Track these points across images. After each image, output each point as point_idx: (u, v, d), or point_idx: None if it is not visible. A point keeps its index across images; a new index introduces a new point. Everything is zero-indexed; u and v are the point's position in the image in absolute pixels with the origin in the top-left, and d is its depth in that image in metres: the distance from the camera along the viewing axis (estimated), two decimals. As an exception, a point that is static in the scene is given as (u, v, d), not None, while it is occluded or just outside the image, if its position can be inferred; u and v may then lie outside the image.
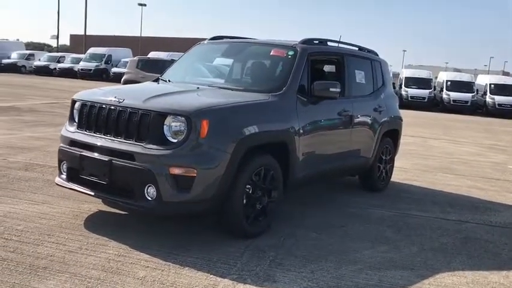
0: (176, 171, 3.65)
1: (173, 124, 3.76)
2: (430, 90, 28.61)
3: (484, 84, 28.68)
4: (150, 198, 3.71)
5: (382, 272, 3.66)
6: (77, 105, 4.33)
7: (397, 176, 6.98)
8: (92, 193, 4.01)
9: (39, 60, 38.40)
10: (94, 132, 4.08)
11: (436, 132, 15.02)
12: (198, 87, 4.67)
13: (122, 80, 20.39)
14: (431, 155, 9.82)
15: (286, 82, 4.60)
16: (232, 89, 4.72)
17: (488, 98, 27.23)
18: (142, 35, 59.91)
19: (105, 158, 3.85)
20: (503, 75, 45.75)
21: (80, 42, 52.74)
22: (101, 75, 34.86)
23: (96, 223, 4.24)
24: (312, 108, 4.73)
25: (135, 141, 3.81)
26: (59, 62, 37.65)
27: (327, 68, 6.20)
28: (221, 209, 3.93)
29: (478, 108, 28.02)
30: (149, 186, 3.69)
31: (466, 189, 6.85)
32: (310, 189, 5.79)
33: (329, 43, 5.49)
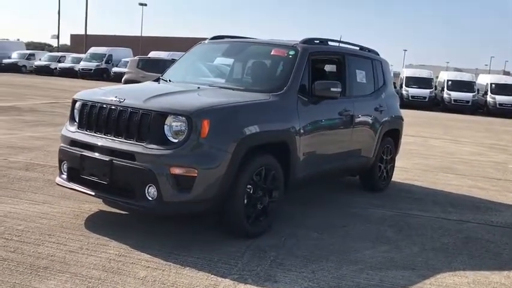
0: (177, 171, 3.64)
1: (174, 124, 3.76)
2: (431, 90, 28.58)
3: (485, 84, 28.66)
4: (150, 198, 3.71)
5: (383, 272, 3.66)
6: (77, 105, 4.33)
7: (398, 176, 6.97)
8: (93, 193, 4.00)
9: (40, 60, 38.42)
10: (95, 132, 4.07)
11: (437, 131, 15.01)
12: (198, 87, 4.67)
13: (123, 79, 20.45)
14: (432, 155, 9.81)
15: (287, 82, 4.59)
16: (233, 89, 4.71)
17: (489, 98, 27.21)
18: (142, 35, 59.93)
19: (106, 158, 3.85)
20: (504, 74, 45.67)
21: (80, 42, 52.74)
22: (102, 75, 34.87)
23: (96, 223, 4.23)
24: (312, 108, 4.73)
25: (136, 141, 3.81)
26: (59, 61, 37.65)
27: (328, 67, 6.20)
28: (222, 209, 3.93)
29: (478, 108, 27.99)
30: (150, 186, 3.68)
31: (467, 189, 6.84)
32: (311, 189, 5.79)
33: (330, 43, 5.48)
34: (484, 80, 30.11)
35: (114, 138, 3.92)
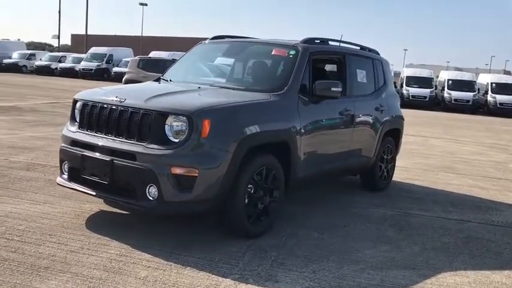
0: (178, 171, 3.64)
1: (174, 124, 3.76)
2: (432, 89, 28.57)
3: (486, 83, 28.65)
4: (151, 198, 3.71)
5: (384, 271, 3.66)
6: (78, 105, 4.33)
7: (398, 176, 6.97)
8: (94, 193, 4.01)
9: (41, 60, 38.44)
10: (95, 132, 4.07)
11: (437, 131, 15.00)
12: (199, 87, 4.67)
13: (123, 79, 20.44)
14: (433, 154, 9.81)
15: (288, 82, 4.59)
16: (233, 89, 4.71)
17: (490, 97, 27.20)
18: (143, 35, 59.94)
19: (107, 158, 3.85)
20: (504, 74, 45.63)
21: (81, 42, 52.78)
22: (102, 74, 34.89)
23: (97, 223, 4.24)
24: (313, 107, 4.73)
25: (137, 141, 3.81)
26: (60, 61, 37.68)
27: (329, 67, 6.20)
28: (223, 209, 3.93)
29: (479, 107, 27.99)
30: (151, 186, 3.69)
31: (468, 188, 6.84)
32: (311, 189, 5.79)
33: (330, 42, 5.48)
34: (484, 79, 30.11)
35: (115, 138, 3.93)
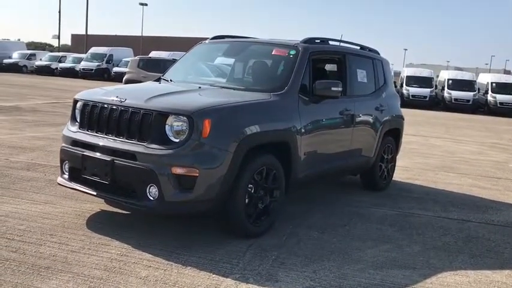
0: (178, 171, 3.65)
1: (175, 124, 3.76)
2: (432, 89, 28.57)
3: (486, 83, 28.64)
4: (152, 198, 3.71)
5: (384, 271, 3.66)
6: (78, 105, 4.34)
7: (398, 175, 6.97)
8: (94, 193, 4.01)
9: (41, 60, 38.44)
10: (96, 132, 4.08)
11: (438, 131, 15.01)
12: (199, 87, 4.67)
13: (124, 79, 20.45)
14: (433, 154, 9.81)
15: (288, 81, 4.59)
16: (233, 89, 4.72)
17: (490, 97, 27.20)
18: (143, 35, 59.93)
19: (107, 158, 3.85)
20: (504, 73, 45.68)
21: (81, 42, 52.80)
22: (102, 74, 34.88)
23: (98, 223, 4.24)
24: (313, 107, 4.73)
25: (137, 141, 3.81)
26: (60, 61, 37.67)
27: (329, 67, 6.20)
28: (223, 209, 3.93)
29: (479, 107, 27.99)
30: (151, 186, 3.69)
31: (468, 188, 6.84)
32: (312, 188, 5.79)
33: (330, 42, 5.48)
34: (484, 79, 30.10)
35: (116, 138, 3.93)
